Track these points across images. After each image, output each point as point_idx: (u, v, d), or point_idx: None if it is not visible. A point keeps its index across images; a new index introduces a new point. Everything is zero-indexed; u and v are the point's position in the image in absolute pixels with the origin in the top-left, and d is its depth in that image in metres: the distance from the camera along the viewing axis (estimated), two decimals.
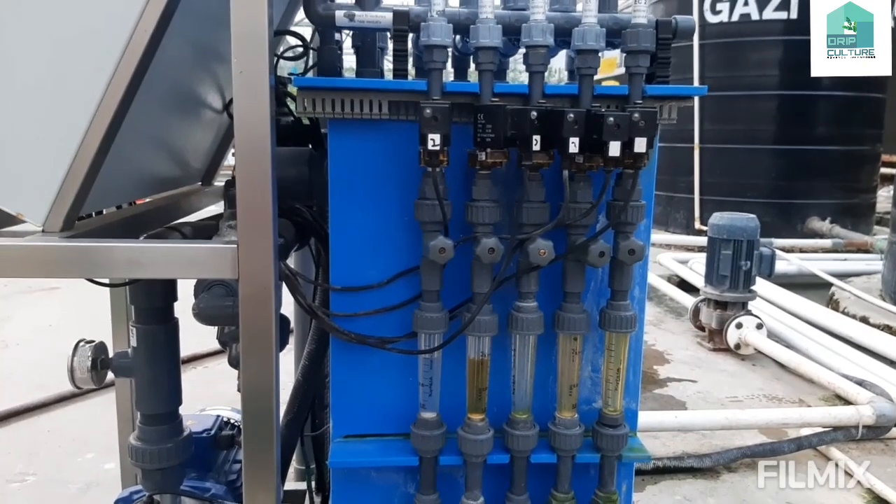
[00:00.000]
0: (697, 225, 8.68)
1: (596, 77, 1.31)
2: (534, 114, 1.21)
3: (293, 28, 1.99)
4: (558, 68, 1.80)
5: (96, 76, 1.08)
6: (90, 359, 1.45)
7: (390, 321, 1.40)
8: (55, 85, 1.11)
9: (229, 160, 1.70)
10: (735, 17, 8.66)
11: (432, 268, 1.31)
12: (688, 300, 5.38)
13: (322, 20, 1.32)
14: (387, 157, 1.35)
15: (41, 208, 1.13)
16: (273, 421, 1.20)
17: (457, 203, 1.31)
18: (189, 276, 1.20)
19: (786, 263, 6.30)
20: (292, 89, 1.33)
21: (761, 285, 5.11)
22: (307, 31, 1.63)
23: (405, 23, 1.26)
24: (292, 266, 2.10)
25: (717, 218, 4.79)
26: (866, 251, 7.53)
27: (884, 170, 10.12)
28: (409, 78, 1.31)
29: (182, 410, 1.54)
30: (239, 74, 1.06)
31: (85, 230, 1.21)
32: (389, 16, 1.29)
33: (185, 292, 1.39)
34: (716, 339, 4.89)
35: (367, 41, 1.45)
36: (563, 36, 1.32)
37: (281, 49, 1.73)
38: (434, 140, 1.19)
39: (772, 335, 4.72)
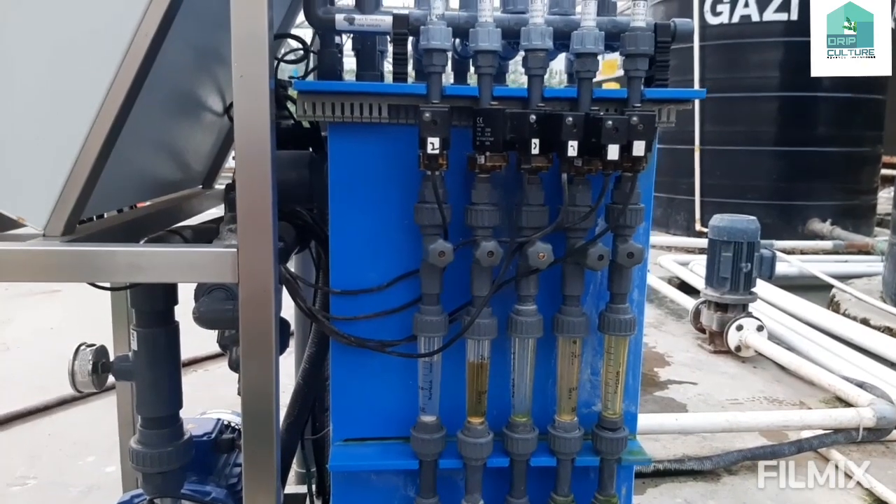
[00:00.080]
0: (698, 227, 8.67)
1: (598, 79, 1.31)
2: (533, 117, 1.22)
3: (294, 30, 1.99)
4: (559, 70, 1.80)
5: (97, 80, 1.09)
6: (91, 363, 1.45)
7: (390, 324, 1.41)
8: (56, 89, 1.11)
9: (230, 163, 1.70)
10: (735, 19, 8.66)
11: (432, 271, 1.31)
12: (688, 302, 5.37)
13: (322, 24, 1.32)
14: (387, 161, 1.35)
15: (42, 212, 1.14)
16: (273, 424, 1.20)
17: (456, 206, 1.31)
18: (189, 280, 1.20)
19: (786, 265, 6.30)
20: (293, 92, 1.34)
21: (762, 287, 5.10)
22: (308, 34, 1.64)
23: (405, 26, 1.27)
24: (293, 269, 2.11)
25: (718, 220, 4.79)
26: (867, 253, 7.51)
27: (884, 171, 10.10)
28: (409, 81, 1.32)
29: (183, 414, 1.54)
30: (239, 78, 1.07)
31: (86, 234, 1.21)
32: (389, 19, 1.29)
33: (186, 295, 1.39)
34: (716, 341, 4.89)
35: (366, 44, 1.45)
36: (561, 39, 1.32)
37: (281, 52, 1.74)
38: (433, 144, 1.19)
39: (772, 337, 4.72)
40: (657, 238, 8.51)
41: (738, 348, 4.73)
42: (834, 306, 5.60)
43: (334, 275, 1.40)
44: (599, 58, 1.30)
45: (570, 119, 1.21)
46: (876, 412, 3.31)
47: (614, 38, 1.34)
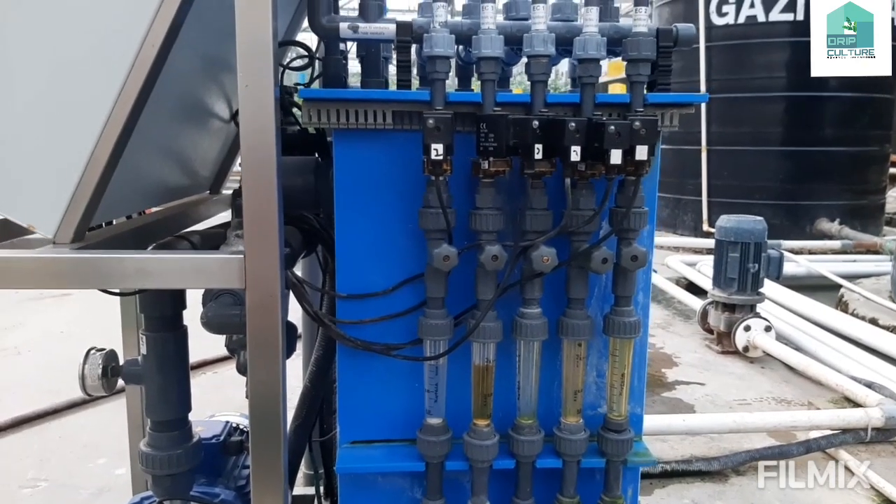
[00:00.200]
0: (706, 227, 8.65)
1: (604, 80, 1.32)
2: (535, 123, 1.23)
3: (300, 34, 2.01)
4: (564, 71, 1.81)
5: (106, 89, 1.11)
6: (101, 367, 1.47)
7: (396, 328, 1.42)
8: (65, 99, 1.13)
9: (237, 168, 1.71)
10: (741, 19, 8.64)
11: (437, 275, 1.33)
12: (696, 303, 5.36)
13: (326, 32, 1.34)
14: (391, 167, 1.36)
15: (52, 220, 1.15)
16: (280, 427, 1.21)
17: (461, 211, 1.32)
18: (197, 286, 1.22)
19: (794, 265, 6.27)
20: (299, 99, 1.35)
21: (770, 287, 5.09)
22: (313, 40, 1.65)
23: (408, 34, 1.28)
24: (300, 272, 2.13)
25: (725, 220, 4.78)
26: (876, 252, 7.48)
27: (893, 170, 10.06)
28: (413, 87, 1.33)
29: (192, 416, 1.56)
30: (245, 88, 1.08)
31: (95, 241, 1.23)
32: (393, 27, 1.30)
33: (195, 298, 1.41)
34: (724, 341, 4.88)
35: (371, 51, 1.46)
36: (564, 45, 1.33)
37: (287, 59, 1.75)
38: (437, 150, 1.20)
39: (780, 337, 4.71)
40: (664, 239, 8.50)
41: (746, 349, 4.72)
42: (842, 306, 5.59)
43: (340, 279, 1.41)
44: (603, 62, 1.31)
45: (573, 124, 1.21)
46: (884, 412, 3.30)
47: (616, 43, 1.35)
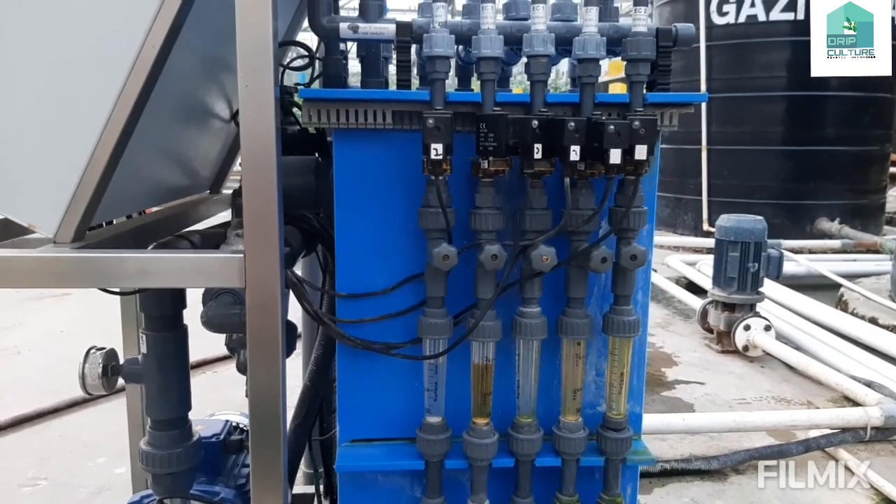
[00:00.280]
0: (706, 227, 8.65)
1: (604, 79, 1.33)
2: (535, 122, 1.23)
3: (300, 34, 2.01)
4: (564, 71, 1.81)
5: (106, 90, 1.11)
6: (101, 366, 1.47)
7: (395, 327, 1.42)
8: (66, 99, 1.13)
9: (238, 167, 1.72)
10: (742, 19, 8.64)
11: (436, 274, 1.33)
12: (696, 302, 5.36)
13: (326, 32, 1.34)
14: (391, 166, 1.37)
15: (53, 219, 1.16)
16: (280, 426, 1.22)
17: (460, 210, 1.32)
18: (197, 286, 1.22)
19: (794, 264, 6.28)
20: (299, 99, 1.35)
21: (769, 287, 5.09)
22: (313, 39, 1.65)
23: (408, 34, 1.28)
24: (300, 272, 2.13)
25: (724, 220, 4.78)
26: (876, 252, 7.47)
27: (893, 170, 10.06)
28: (413, 87, 1.33)
29: (192, 415, 1.56)
30: (245, 88, 1.09)
31: (95, 240, 1.23)
32: (392, 27, 1.31)
33: (195, 298, 1.41)
34: (724, 341, 4.88)
35: (371, 51, 1.46)
36: (564, 45, 1.33)
37: (287, 59, 1.76)
38: (437, 150, 1.21)
39: (780, 337, 4.71)
40: (664, 238, 8.50)
41: (746, 348, 4.73)
42: (842, 305, 5.59)
43: (340, 278, 1.41)
44: (603, 62, 1.31)
45: (573, 124, 1.22)
46: (884, 411, 3.30)
47: (616, 43, 1.35)
